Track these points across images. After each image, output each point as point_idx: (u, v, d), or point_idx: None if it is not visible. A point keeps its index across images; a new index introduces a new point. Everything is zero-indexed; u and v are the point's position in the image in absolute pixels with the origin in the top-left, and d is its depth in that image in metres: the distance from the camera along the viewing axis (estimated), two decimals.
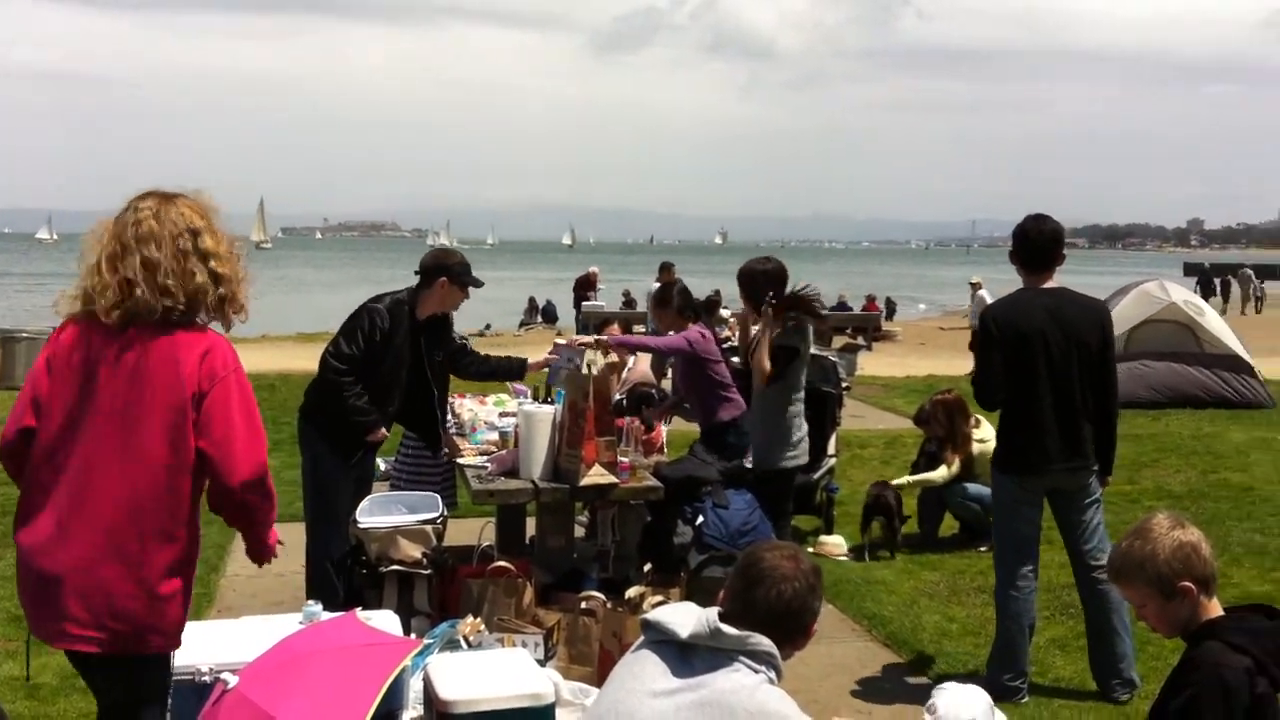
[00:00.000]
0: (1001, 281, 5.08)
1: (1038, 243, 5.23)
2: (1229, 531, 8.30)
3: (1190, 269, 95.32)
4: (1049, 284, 5.28)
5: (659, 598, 4.96)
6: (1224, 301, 45.01)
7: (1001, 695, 4.95)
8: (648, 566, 5.72)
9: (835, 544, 7.89)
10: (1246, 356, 14.88)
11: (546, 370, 6.44)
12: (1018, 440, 5.25)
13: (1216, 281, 45.99)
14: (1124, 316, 14.81)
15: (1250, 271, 50.10)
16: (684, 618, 2.89)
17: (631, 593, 5.17)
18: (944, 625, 6.32)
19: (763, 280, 6.36)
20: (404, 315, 5.75)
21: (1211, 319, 15.14)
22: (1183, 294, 15.38)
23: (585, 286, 28.12)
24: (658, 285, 14.43)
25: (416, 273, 5.92)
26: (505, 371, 6.54)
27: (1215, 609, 2.96)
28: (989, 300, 21.76)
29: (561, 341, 6.51)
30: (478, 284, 5.98)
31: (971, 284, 24.92)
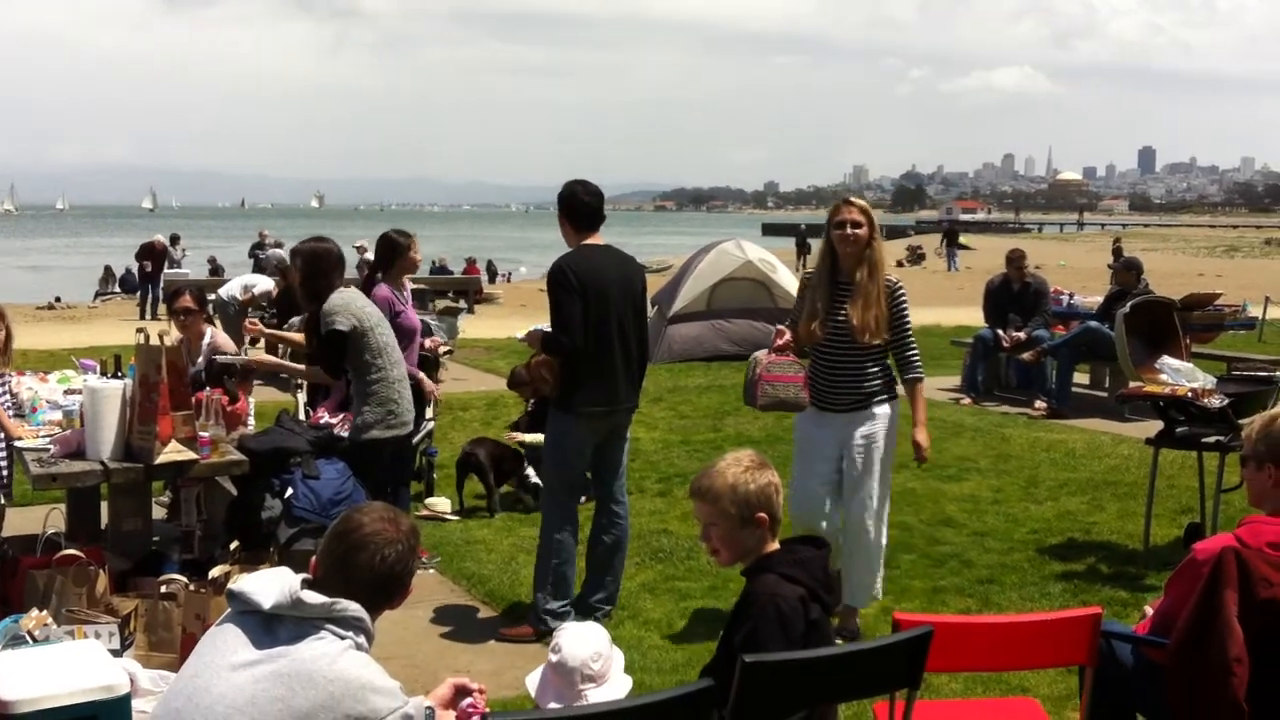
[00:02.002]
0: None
1: (588, 203, 5.66)
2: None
3: (768, 229, 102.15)
4: (594, 241, 5.67)
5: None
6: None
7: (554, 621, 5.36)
8: (235, 544, 5.46)
9: (442, 504, 7.89)
10: None
11: None
12: (593, 383, 5.57)
13: (811, 242, 49.96)
14: (705, 274, 15.64)
15: None
16: (268, 587, 2.79)
17: (215, 572, 4.92)
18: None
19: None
20: None
21: (784, 275, 16.21)
22: (758, 252, 16.32)
23: (149, 255, 26.73)
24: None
25: None
26: None
27: (773, 547, 3.17)
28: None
29: None
30: None
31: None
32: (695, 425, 10.85)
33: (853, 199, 5.60)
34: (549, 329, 5.63)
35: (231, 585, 2.90)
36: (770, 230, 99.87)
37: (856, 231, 5.39)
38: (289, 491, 5.57)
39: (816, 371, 5.53)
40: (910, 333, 5.53)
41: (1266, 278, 33.20)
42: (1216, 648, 3.21)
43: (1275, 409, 3.61)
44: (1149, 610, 3.74)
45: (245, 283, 15.93)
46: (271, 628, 2.76)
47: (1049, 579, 6.38)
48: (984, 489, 8.36)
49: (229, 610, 2.88)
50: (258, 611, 2.77)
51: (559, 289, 5.51)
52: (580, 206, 5.65)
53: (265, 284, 15.70)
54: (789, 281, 16.16)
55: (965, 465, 9.06)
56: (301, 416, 7.50)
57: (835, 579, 3.21)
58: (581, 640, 3.32)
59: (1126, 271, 12.41)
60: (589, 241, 5.66)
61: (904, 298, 5.50)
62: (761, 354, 5.56)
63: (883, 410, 5.47)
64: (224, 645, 2.77)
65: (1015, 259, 12.46)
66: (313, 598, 2.76)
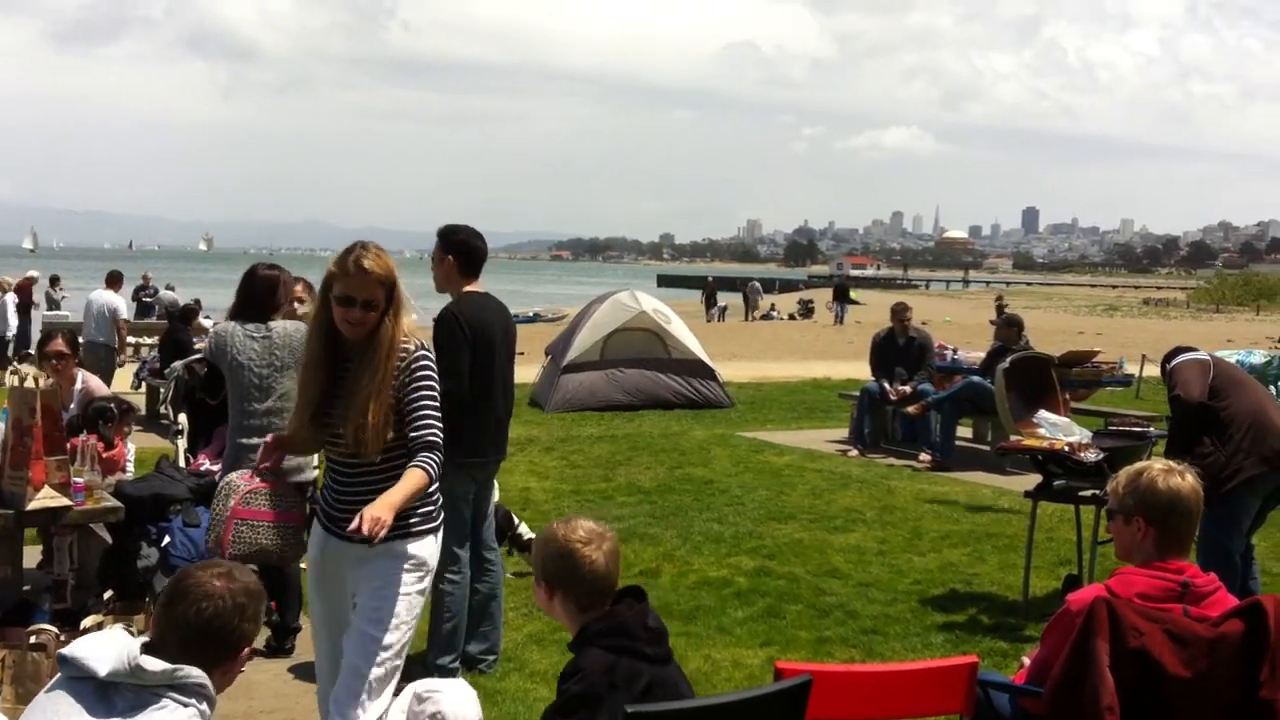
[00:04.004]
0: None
1: (480, 250, 5.64)
2: (691, 522, 8.97)
3: (664, 280, 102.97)
4: (474, 288, 5.62)
5: (119, 626, 4.62)
6: (747, 310, 49.96)
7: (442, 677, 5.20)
8: (109, 594, 5.31)
9: None
10: (708, 361, 16.22)
11: None
12: (475, 434, 5.46)
13: (718, 294, 50.67)
14: (599, 324, 15.71)
15: (758, 284, 55.45)
16: (103, 652, 2.61)
17: (88, 622, 4.79)
18: (424, 628, 6.35)
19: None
20: None
21: (677, 327, 16.36)
22: (653, 303, 16.46)
23: (24, 293, 26.19)
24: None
25: None
26: None
27: (590, 615, 3.11)
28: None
29: None
30: None
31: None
32: (587, 475, 10.83)
33: (365, 258, 3.68)
34: None
35: (63, 650, 2.73)
36: (666, 281, 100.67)
37: (368, 314, 3.66)
38: (166, 540, 5.44)
39: (326, 479, 3.93)
40: (426, 410, 3.69)
41: (1144, 336, 34.34)
42: (1089, 696, 3.29)
43: (1140, 463, 3.69)
44: (1026, 660, 3.81)
45: (101, 312, 15.42)
46: (107, 695, 2.59)
47: (931, 629, 6.47)
48: (869, 540, 8.47)
49: (59, 675, 2.68)
50: (92, 678, 2.60)
51: (449, 336, 5.40)
52: (476, 253, 5.61)
53: (115, 302, 15.39)
54: (683, 333, 16.31)
55: (851, 516, 9.17)
56: (181, 463, 7.33)
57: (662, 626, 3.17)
58: (463, 703, 3.28)
59: (1008, 328, 12.75)
60: (470, 289, 5.58)
61: (424, 367, 3.75)
62: (240, 478, 4.00)
63: (412, 548, 3.73)
64: (54, 715, 2.58)
65: (898, 311, 12.71)
66: (153, 664, 2.60)
